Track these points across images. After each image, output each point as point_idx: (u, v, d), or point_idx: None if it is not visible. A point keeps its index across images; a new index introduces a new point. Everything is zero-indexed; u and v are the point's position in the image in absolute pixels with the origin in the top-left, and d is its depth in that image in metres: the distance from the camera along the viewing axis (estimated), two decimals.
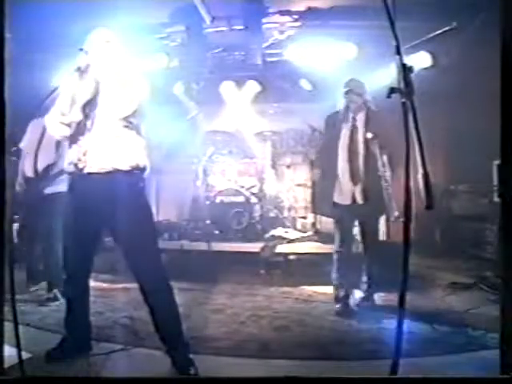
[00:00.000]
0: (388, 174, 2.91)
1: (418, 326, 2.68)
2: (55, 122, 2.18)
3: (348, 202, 3.07)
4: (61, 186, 2.98)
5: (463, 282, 3.70)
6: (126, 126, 2.14)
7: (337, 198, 3.11)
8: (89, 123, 2.14)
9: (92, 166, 2.11)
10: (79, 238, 2.21)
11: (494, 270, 3.58)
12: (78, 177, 2.15)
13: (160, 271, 2.20)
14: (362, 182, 3.04)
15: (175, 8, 4.79)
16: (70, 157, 2.17)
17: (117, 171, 2.11)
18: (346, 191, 3.08)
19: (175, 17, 4.93)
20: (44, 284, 3.38)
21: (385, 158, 2.94)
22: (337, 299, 3.11)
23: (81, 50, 2.09)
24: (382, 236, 5.12)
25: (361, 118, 3.09)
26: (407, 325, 1.36)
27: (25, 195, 3.41)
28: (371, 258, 3.15)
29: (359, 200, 3.05)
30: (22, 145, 3.40)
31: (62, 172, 3.02)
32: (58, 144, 3.21)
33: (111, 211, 2.10)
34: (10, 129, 1.72)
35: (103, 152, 2.10)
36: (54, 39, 4.50)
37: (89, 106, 2.14)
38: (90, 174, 2.11)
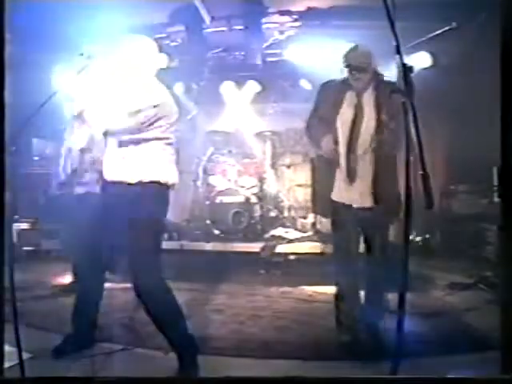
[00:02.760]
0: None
1: (418, 326, 2.68)
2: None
3: (356, 203, 2.43)
4: (87, 187, 3.35)
5: (463, 282, 3.70)
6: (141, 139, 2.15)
7: (335, 195, 2.46)
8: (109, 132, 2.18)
9: (113, 177, 2.16)
10: (97, 239, 2.26)
11: (493, 270, 3.58)
12: (102, 185, 2.24)
13: (156, 271, 2.17)
14: (372, 177, 2.40)
15: (175, 8, 4.79)
16: (98, 166, 2.28)
17: (129, 184, 2.13)
18: (346, 187, 2.44)
19: (175, 17, 4.93)
20: None
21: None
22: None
23: (81, 55, 2.09)
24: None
25: (367, 99, 2.44)
26: (407, 325, 1.35)
27: (60, 198, 3.66)
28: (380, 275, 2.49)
29: (366, 201, 2.41)
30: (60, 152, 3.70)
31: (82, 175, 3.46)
32: (82, 152, 3.48)
33: (119, 217, 2.14)
34: (10, 129, 1.72)
35: (125, 164, 2.14)
36: (54, 40, 4.50)
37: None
38: (112, 183, 2.17)
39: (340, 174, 2.46)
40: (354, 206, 2.43)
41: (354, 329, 2.43)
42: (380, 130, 2.37)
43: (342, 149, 2.44)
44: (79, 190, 3.47)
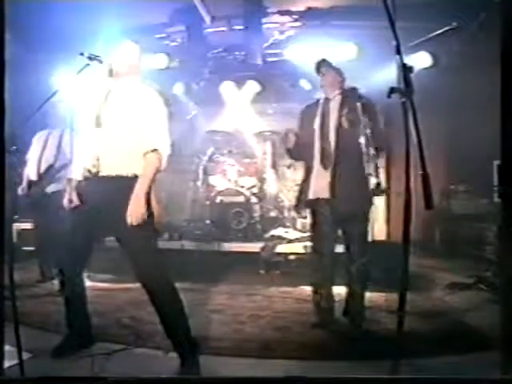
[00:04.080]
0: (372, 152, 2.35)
1: (418, 325, 2.68)
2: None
3: (326, 195, 2.62)
4: (61, 184, 3.36)
5: (463, 281, 3.70)
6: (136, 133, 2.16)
7: (312, 194, 2.71)
8: (102, 129, 2.16)
9: (103, 170, 2.14)
10: (80, 238, 2.23)
11: (493, 270, 3.58)
12: (87, 180, 2.17)
13: (162, 271, 2.20)
14: (343, 169, 2.61)
15: (175, 8, 4.79)
16: (84, 161, 2.18)
17: (123, 177, 2.13)
18: (322, 181, 2.64)
19: (175, 17, 4.93)
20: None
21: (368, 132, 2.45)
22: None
23: (81, 54, 2.09)
24: (381, 236, 5.13)
25: (337, 100, 2.76)
26: (407, 325, 1.35)
27: (31, 197, 3.76)
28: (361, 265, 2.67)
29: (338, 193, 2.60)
30: (27, 156, 3.83)
31: (59, 171, 3.63)
32: (58, 149, 3.69)
33: (112, 213, 2.12)
34: (10, 129, 1.72)
35: (114, 158, 2.13)
36: (54, 40, 4.50)
37: (101, 114, 2.17)
38: (99, 177, 2.14)
39: (315, 171, 2.70)
40: (326, 196, 2.62)
41: (330, 321, 2.71)
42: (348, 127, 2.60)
43: (318, 143, 2.70)
44: (53, 187, 3.61)
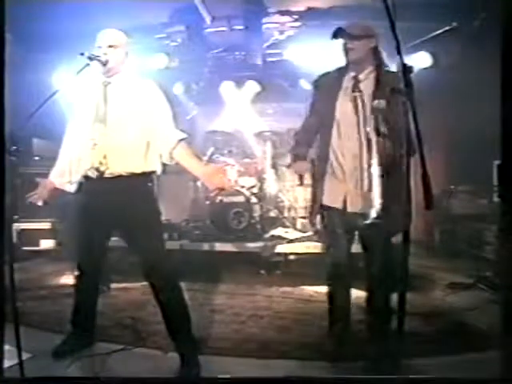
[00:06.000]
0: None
1: (418, 325, 2.68)
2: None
3: (339, 205, 2.20)
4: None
5: (463, 282, 3.70)
6: (139, 130, 2.17)
7: (326, 199, 2.26)
8: (104, 127, 2.15)
9: (111, 169, 2.12)
10: (93, 239, 2.24)
11: (493, 270, 3.58)
12: (95, 180, 2.15)
13: (170, 269, 2.24)
14: (370, 177, 2.06)
15: (175, 8, 4.80)
16: (90, 161, 2.14)
17: (131, 175, 2.14)
18: (339, 190, 2.20)
19: (175, 17, 4.94)
20: None
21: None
22: None
23: (81, 54, 2.09)
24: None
25: (368, 82, 2.13)
26: (407, 325, 1.35)
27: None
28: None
29: (361, 205, 2.12)
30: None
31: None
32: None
33: (122, 212, 2.14)
34: (10, 129, 1.72)
35: (120, 156, 2.13)
36: (54, 40, 4.50)
37: (103, 111, 2.15)
38: (106, 177, 2.13)
39: (334, 177, 2.23)
40: (350, 210, 2.18)
41: (346, 330, 2.35)
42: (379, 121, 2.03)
43: (344, 148, 2.16)
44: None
